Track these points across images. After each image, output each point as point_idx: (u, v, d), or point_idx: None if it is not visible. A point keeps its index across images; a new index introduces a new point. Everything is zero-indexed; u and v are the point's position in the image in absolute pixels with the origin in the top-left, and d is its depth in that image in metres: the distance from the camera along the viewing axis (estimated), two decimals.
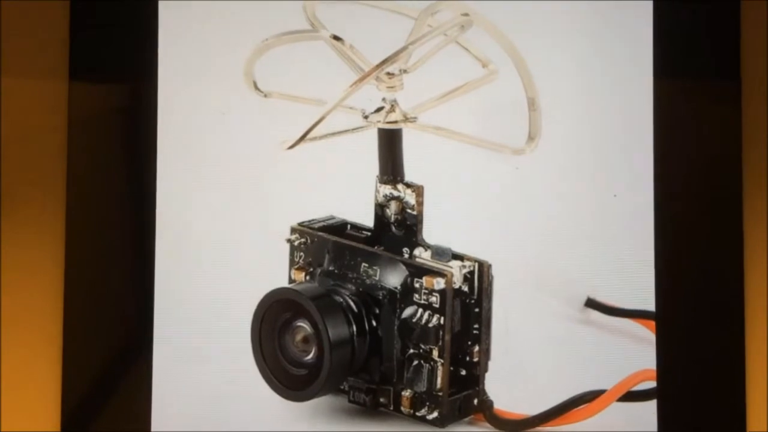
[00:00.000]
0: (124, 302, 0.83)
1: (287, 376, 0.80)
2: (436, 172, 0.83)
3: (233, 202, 0.84)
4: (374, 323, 0.80)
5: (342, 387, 0.82)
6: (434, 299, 0.78)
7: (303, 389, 0.79)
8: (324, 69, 0.82)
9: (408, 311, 0.79)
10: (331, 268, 0.82)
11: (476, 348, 0.80)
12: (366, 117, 0.81)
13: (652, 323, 0.81)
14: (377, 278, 0.80)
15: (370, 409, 0.81)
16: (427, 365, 0.79)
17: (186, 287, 0.84)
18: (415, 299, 0.79)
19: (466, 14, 0.79)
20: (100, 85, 0.85)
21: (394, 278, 0.80)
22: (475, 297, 0.79)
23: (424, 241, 0.81)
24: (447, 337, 0.78)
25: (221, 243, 0.84)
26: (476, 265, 0.79)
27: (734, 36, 0.83)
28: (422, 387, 0.79)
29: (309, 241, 0.84)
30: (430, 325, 0.78)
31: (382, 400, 0.81)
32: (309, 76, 0.83)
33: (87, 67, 0.85)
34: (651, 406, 0.80)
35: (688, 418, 0.80)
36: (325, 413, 0.82)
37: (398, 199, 0.81)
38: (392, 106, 0.80)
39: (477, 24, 0.79)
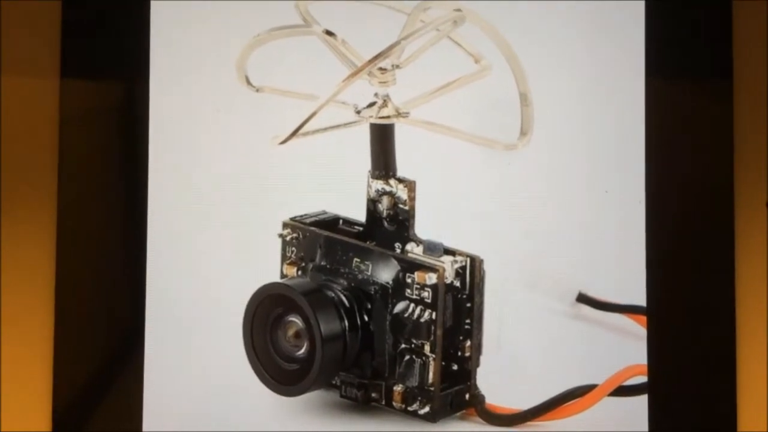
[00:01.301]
0: (115, 300, 0.83)
1: (279, 371, 0.80)
2: (429, 167, 0.83)
3: (225, 198, 0.84)
4: (366, 318, 0.80)
5: (334, 382, 0.82)
6: (426, 294, 0.78)
7: (295, 384, 0.79)
8: (316, 64, 0.82)
9: (400, 306, 0.79)
10: (323, 263, 0.82)
11: (468, 343, 0.80)
12: (358, 112, 0.81)
13: (644, 318, 0.82)
14: (369, 273, 0.80)
15: (362, 404, 0.81)
16: (419, 360, 0.79)
17: (178, 284, 0.84)
18: (406, 294, 0.79)
19: (459, 10, 0.79)
20: (92, 82, 0.85)
21: (386, 273, 0.80)
22: (467, 292, 0.79)
23: (416, 236, 0.81)
24: (439, 332, 0.78)
25: (213, 238, 0.84)
26: (468, 260, 0.79)
27: (726, 35, 0.84)
28: (414, 382, 0.79)
29: (301, 236, 0.84)
30: (422, 320, 0.78)
31: (373, 395, 0.81)
32: (301, 72, 0.83)
33: (79, 65, 0.85)
34: (642, 401, 0.80)
35: (678, 412, 0.81)
36: (316, 408, 0.82)
37: (390, 194, 0.81)
38: (384, 101, 0.80)
39: (469, 20, 0.80)
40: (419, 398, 0.79)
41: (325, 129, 0.80)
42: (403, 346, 0.79)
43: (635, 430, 0.80)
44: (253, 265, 0.84)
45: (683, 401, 0.81)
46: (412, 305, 0.79)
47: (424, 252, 0.80)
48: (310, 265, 0.83)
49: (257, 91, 0.83)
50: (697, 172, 0.83)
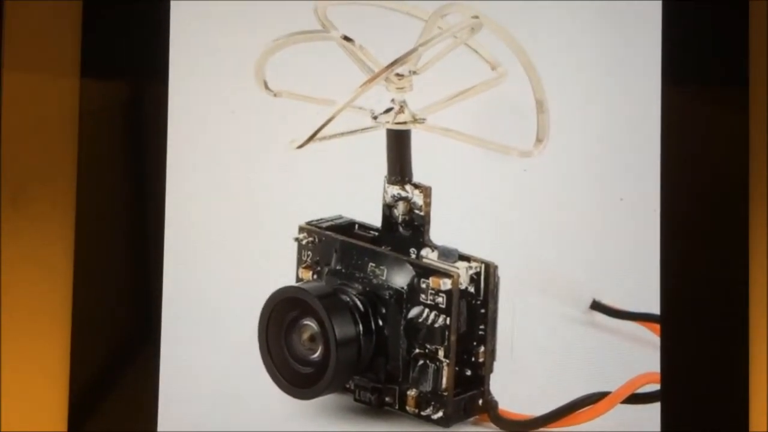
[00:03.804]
0: (131, 300, 0.84)
1: (294, 374, 0.80)
2: (444, 173, 0.83)
3: (242, 200, 0.85)
4: (380, 323, 0.80)
5: (348, 386, 0.82)
6: (440, 300, 0.79)
7: (309, 387, 0.79)
8: (334, 69, 0.82)
9: (414, 311, 0.79)
10: (338, 268, 0.82)
11: (481, 349, 0.80)
12: (375, 117, 0.81)
13: (657, 326, 0.81)
14: (384, 278, 0.80)
15: (376, 408, 0.81)
16: (433, 365, 0.79)
17: (193, 284, 0.84)
18: (421, 299, 0.79)
19: (476, 17, 0.80)
20: (112, 81, 0.85)
21: (400, 278, 0.80)
22: (481, 298, 0.80)
23: (431, 241, 0.81)
24: (453, 338, 0.79)
25: (229, 240, 0.85)
26: (483, 266, 0.80)
27: (742, 41, 0.83)
28: (427, 387, 0.79)
29: (317, 240, 0.84)
30: (436, 325, 0.78)
31: (387, 399, 0.81)
32: (319, 76, 0.84)
33: (99, 65, 0.85)
34: (655, 409, 0.80)
35: (691, 420, 0.81)
36: (330, 412, 0.82)
37: (406, 199, 0.82)
38: (401, 107, 0.81)
39: (487, 26, 0.80)
40: (433, 403, 0.80)
41: (342, 134, 0.80)
42: (417, 351, 0.79)
43: None
44: (268, 268, 0.85)
45: (696, 409, 0.81)
46: (427, 310, 0.79)
47: (439, 257, 0.80)
48: (326, 269, 0.83)
49: (275, 95, 0.83)
50: (712, 179, 0.83)
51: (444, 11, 0.80)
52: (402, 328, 0.79)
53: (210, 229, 0.85)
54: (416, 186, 0.81)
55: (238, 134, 0.85)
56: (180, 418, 0.83)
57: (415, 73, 0.80)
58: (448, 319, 0.78)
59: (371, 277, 0.81)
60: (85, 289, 0.83)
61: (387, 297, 0.80)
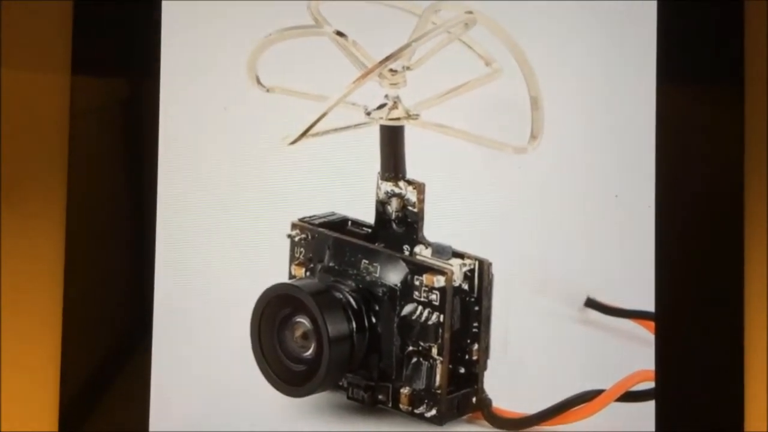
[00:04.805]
0: (123, 300, 0.83)
1: (286, 371, 0.80)
2: (438, 169, 0.83)
3: (234, 197, 0.84)
4: (374, 320, 0.80)
5: (341, 383, 0.82)
6: (434, 297, 0.78)
7: (302, 385, 0.79)
8: (327, 65, 0.82)
9: (408, 308, 0.79)
10: (331, 264, 0.82)
11: (475, 346, 0.80)
12: (368, 113, 0.81)
13: (652, 324, 0.81)
14: (377, 275, 0.80)
15: (369, 406, 0.81)
16: (426, 363, 0.79)
17: (186, 282, 0.84)
18: (415, 296, 0.79)
19: (470, 12, 0.79)
20: (103, 79, 0.85)
21: (394, 275, 0.80)
22: (475, 295, 0.79)
23: (424, 238, 0.81)
24: (446, 335, 0.78)
25: (222, 238, 0.85)
26: (476, 263, 0.79)
27: (738, 40, 0.83)
28: (421, 384, 0.79)
29: (309, 236, 0.84)
30: (430, 322, 0.78)
31: (380, 397, 0.81)
32: (312, 72, 0.83)
33: (90, 62, 0.85)
34: (649, 407, 0.80)
35: (685, 419, 0.80)
36: (323, 409, 0.82)
37: (399, 196, 0.81)
38: (395, 102, 0.80)
39: (481, 22, 0.79)
40: (426, 401, 0.79)
41: (335, 130, 0.80)
42: (410, 348, 0.79)
43: None
44: (261, 265, 0.84)
45: (690, 407, 0.81)
46: (420, 308, 0.79)
47: (432, 254, 0.80)
48: (319, 266, 0.83)
49: (268, 91, 0.83)
50: (707, 177, 0.83)
51: (438, 6, 0.80)
52: (395, 325, 0.79)
53: (202, 226, 0.84)
54: (410, 182, 0.81)
55: (231, 131, 0.85)
56: (172, 417, 0.82)
57: (408, 68, 0.80)
58: (442, 316, 0.78)
59: (364, 274, 0.81)
60: (77, 288, 0.83)
61: (380, 294, 0.80)
